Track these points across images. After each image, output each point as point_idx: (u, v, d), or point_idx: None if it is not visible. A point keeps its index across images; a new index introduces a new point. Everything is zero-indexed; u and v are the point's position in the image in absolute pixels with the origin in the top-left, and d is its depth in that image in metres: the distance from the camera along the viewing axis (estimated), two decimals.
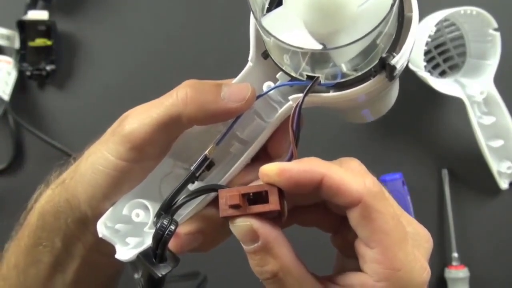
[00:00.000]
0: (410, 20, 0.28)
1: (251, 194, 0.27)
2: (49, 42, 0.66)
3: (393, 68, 0.27)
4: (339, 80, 0.28)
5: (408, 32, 0.28)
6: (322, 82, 0.28)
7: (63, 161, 0.36)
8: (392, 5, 0.25)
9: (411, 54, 0.68)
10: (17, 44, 0.67)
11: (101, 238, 0.31)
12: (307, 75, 0.29)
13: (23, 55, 0.67)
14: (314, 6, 0.27)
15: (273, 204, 0.26)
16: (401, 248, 0.26)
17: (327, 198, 0.27)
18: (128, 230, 0.31)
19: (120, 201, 0.31)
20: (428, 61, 0.66)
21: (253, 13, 0.28)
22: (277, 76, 0.30)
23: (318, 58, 0.28)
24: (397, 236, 0.26)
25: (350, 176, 0.26)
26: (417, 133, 0.68)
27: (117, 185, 0.31)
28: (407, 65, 0.63)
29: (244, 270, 0.28)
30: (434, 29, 0.60)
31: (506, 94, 0.64)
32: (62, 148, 0.66)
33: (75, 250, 0.34)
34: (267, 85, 0.30)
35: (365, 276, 0.27)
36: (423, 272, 0.27)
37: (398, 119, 0.68)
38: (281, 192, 0.27)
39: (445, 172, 0.67)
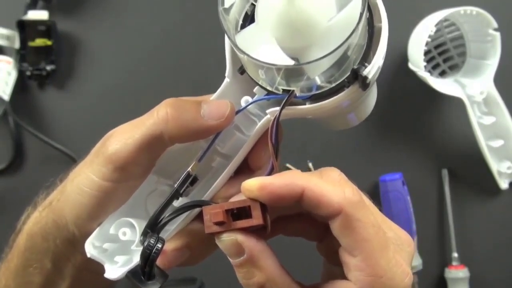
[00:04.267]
0: (380, 30, 0.29)
1: (235, 209, 0.27)
2: (49, 42, 0.67)
3: (365, 78, 0.28)
4: (314, 92, 0.29)
5: (378, 42, 0.29)
6: (297, 95, 0.29)
7: (49, 183, 0.36)
8: (359, 19, 0.26)
9: (411, 54, 0.68)
10: (17, 44, 0.67)
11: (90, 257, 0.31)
12: (282, 89, 0.29)
13: (23, 55, 0.67)
14: (284, 22, 0.27)
15: (256, 218, 0.27)
16: (383, 255, 0.27)
17: (309, 210, 0.27)
18: (116, 249, 0.32)
19: (107, 221, 0.32)
20: (428, 61, 0.66)
21: (225, 32, 0.28)
22: (254, 90, 0.31)
23: (292, 72, 0.28)
24: (378, 243, 0.27)
25: (330, 187, 0.27)
26: (417, 133, 0.68)
27: (102, 206, 0.31)
28: (407, 65, 0.64)
29: None
30: (434, 29, 0.60)
31: (506, 94, 0.64)
32: (61, 148, 0.66)
33: (65, 270, 0.35)
34: (245, 99, 0.31)
35: (350, 284, 0.27)
36: (405, 277, 0.27)
37: (398, 119, 0.68)
38: (263, 206, 0.27)
39: (445, 172, 0.67)
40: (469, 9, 0.61)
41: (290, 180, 0.27)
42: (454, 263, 0.65)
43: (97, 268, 0.32)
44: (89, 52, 0.69)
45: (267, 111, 0.30)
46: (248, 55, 0.27)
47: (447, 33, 0.66)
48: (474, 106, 0.64)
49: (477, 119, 0.64)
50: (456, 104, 0.65)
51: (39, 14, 0.66)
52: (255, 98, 0.31)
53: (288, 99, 0.29)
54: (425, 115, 0.68)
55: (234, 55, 0.31)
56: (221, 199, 0.31)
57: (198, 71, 0.68)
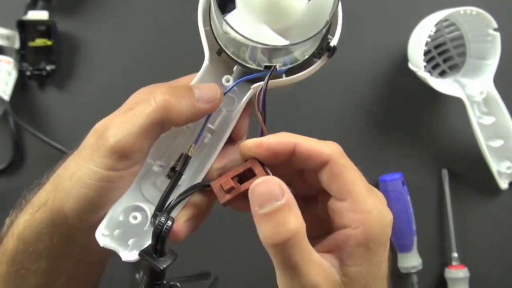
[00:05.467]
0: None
1: (237, 176, 0.31)
2: (49, 42, 0.66)
3: (335, 48, 0.33)
4: (289, 66, 0.33)
5: (337, 18, 0.34)
6: (278, 69, 0.33)
7: (33, 186, 0.37)
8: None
9: (411, 54, 0.69)
10: (17, 44, 0.66)
11: (88, 249, 0.33)
12: (264, 65, 0.33)
13: (23, 55, 0.67)
14: (268, 8, 0.31)
15: (261, 174, 0.30)
16: (369, 195, 0.30)
17: (300, 164, 0.31)
18: (126, 234, 0.33)
19: (113, 209, 0.33)
20: (428, 61, 0.66)
21: (217, 15, 0.32)
22: (234, 69, 0.35)
23: (276, 49, 0.32)
24: (363, 185, 0.30)
25: (316, 142, 0.31)
26: (417, 133, 0.68)
27: (108, 195, 0.32)
28: (407, 65, 0.64)
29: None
30: (434, 29, 0.60)
31: (506, 94, 0.64)
32: (61, 148, 0.66)
33: (62, 266, 0.35)
34: (226, 78, 0.35)
35: (343, 230, 0.29)
36: (388, 214, 0.31)
37: (398, 119, 0.68)
38: (263, 165, 0.31)
39: (445, 172, 0.67)
40: (469, 9, 0.60)
41: (282, 137, 0.31)
42: (454, 263, 0.65)
43: (93, 259, 0.34)
44: (89, 52, 0.69)
45: (252, 86, 0.34)
46: (244, 36, 0.30)
47: (447, 33, 0.66)
48: (474, 106, 0.64)
49: (477, 119, 0.64)
50: (456, 104, 0.65)
51: (39, 14, 0.66)
52: (242, 77, 0.34)
53: (272, 73, 0.32)
54: (425, 115, 0.68)
55: (209, 39, 0.35)
56: (216, 170, 0.35)
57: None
